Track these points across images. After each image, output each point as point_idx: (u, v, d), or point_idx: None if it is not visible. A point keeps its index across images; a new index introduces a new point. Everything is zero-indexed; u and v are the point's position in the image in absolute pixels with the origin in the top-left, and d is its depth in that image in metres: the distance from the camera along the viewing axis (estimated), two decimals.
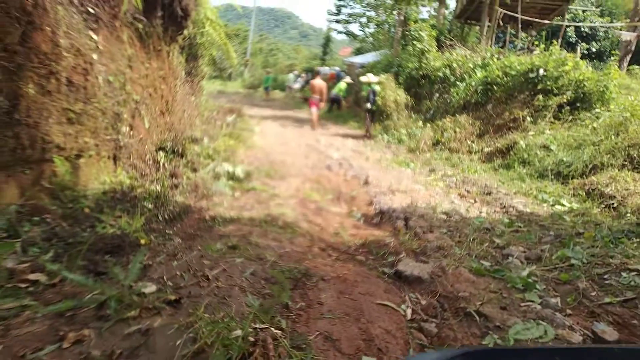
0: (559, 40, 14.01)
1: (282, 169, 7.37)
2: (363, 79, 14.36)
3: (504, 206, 6.35)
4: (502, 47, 17.46)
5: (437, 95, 13.71)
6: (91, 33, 4.18)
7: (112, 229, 3.35)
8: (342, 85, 17.92)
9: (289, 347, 2.03)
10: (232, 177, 5.99)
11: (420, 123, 12.42)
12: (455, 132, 10.58)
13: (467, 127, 10.59)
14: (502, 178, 8.08)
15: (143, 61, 6.04)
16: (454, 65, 13.69)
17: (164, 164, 5.57)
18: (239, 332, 1.96)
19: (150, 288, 2.40)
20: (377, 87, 13.42)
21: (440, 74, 13.79)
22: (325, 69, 30.41)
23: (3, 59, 2.76)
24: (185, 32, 9.81)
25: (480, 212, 6.06)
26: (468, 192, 7.12)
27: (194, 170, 5.73)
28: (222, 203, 4.79)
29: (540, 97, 9.94)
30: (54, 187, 3.73)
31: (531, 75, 10.45)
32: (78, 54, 3.75)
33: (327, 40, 37.75)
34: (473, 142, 10.15)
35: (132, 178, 4.83)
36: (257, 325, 2.11)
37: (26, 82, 3.07)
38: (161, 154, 5.77)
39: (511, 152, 9.03)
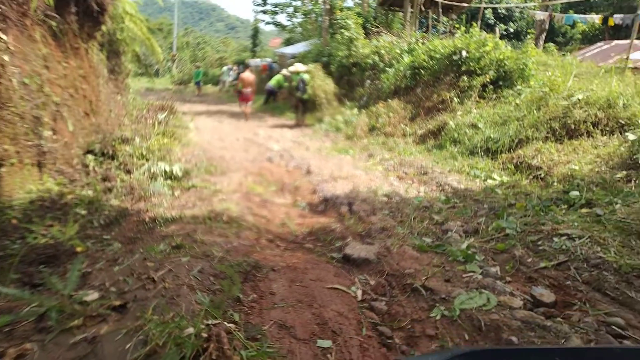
0: (479, 23, 14.80)
1: (222, 165, 7.23)
2: (291, 69, 14.69)
3: (440, 184, 6.66)
4: (425, 32, 18.13)
5: (368, 82, 14.02)
6: (1, 34, 3.84)
7: (44, 239, 3.14)
8: (278, 77, 17.83)
9: (243, 339, 2.02)
10: (170, 176, 5.80)
11: (356, 110, 12.64)
12: (389, 117, 10.89)
13: (399, 112, 10.93)
14: (436, 158, 8.45)
15: (60, 60, 5.65)
16: (382, 51, 14.05)
17: (94, 168, 5.27)
18: (191, 330, 1.93)
19: (92, 296, 2.29)
20: (305, 76, 13.59)
21: (370, 61, 14.10)
22: (256, 61, 30.04)
23: None
24: (104, 27, 9.29)
25: (419, 192, 6.32)
26: (406, 173, 7.39)
27: (128, 171, 5.47)
28: (162, 203, 4.63)
29: (465, 78, 10.45)
30: None
31: (455, 57, 10.93)
32: None
33: (256, 32, 37.19)
34: (406, 125, 10.51)
35: (61, 184, 4.54)
36: (210, 322, 2.08)
37: None
38: (90, 157, 5.46)
39: (442, 133, 9.44)
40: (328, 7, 18.06)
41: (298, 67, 14.23)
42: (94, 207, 4.20)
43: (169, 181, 5.60)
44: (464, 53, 10.79)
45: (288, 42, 29.69)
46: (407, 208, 5.30)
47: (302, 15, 30.55)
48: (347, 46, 14.96)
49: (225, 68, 26.42)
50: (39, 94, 4.79)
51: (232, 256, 3.08)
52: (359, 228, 4.49)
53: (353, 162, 8.30)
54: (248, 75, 14.24)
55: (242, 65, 30.53)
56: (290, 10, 31.72)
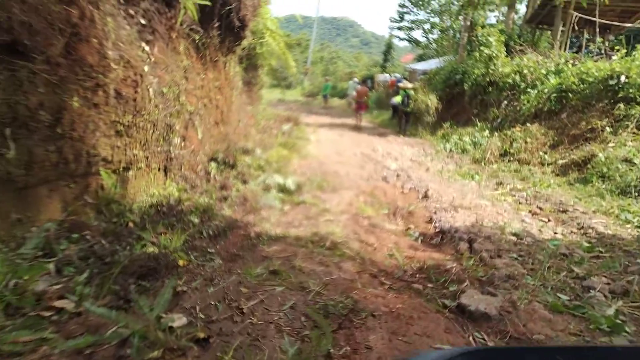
0: None
1: (335, 180, 7.08)
2: (400, 85, 16.86)
3: (582, 227, 5.64)
4: (576, 52, 16.14)
5: (505, 102, 12.84)
6: (143, 44, 4.14)
7: (151, 248, 3.21)
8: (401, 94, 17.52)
9: None
10: (282, 189, 5.79)
11: (487, 132, 11.65)
12: (525, 142, 9.77)
13: (538, 137, 9.74)
14: (579, 194, 7.26)
15: (199, 72, 6.02)
16: (525, 71, 12.77)
17: (214, 176, 5.47)
18: None
19: (180, 321, 2.19)
20: (411, 92, 15.23)
21: (510, 81, 12.91)
22: (385, 76, 29.97)
23: (45, 71, 2.70)
24: (245, 42, 9.89)
25: (555, 233, 5.41)
26: (540, 209, 6.44)
27: (244, 182, 5.58)
28: (270, 218, 4.58)
29: (622, 105, 8.93)
30: (100, 201, 3.68)
31: (611, 82, 9.44)
32: (128, 66, 3.69)
33: (389, 47, 37.19)
34: (545, 153, 9.30)
35: (182, 190, 4.75)
36: None
37: (70, 95, 3.01)
38: (213, 164, 5.69)
39: (589, 165, 8.13)
40: (468, 23, 17.13)
41: (406, 84, 16.18)
42: (207, 215, 4.28)
43: (281, 194, 5.58)
44: (622, 78, 9.25)
45: (420, 58, 29.08)
46: (540, 253, 4.51)
47: (439, 32, 29.70)
48: (485, 64, 13.94)
49: (351, 82, 26.71)
50: (175, 103, 5.11)
51: (329, 292, 2.80)
52: (479, 272, 3.89)
53: (478, 189, 7.52)
54: (361, 88, 16.86)
55: (370, 79, 30.73)
56: (427, 26, 31.07)
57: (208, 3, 5.41)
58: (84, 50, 3.02)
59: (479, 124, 12.59)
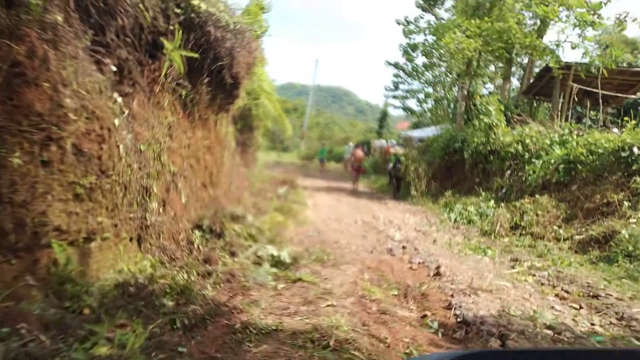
0: None
1: (336, 252, 6.32)
2: (391, 150, 18.50)
3: (622, 317, 4.86)
4: (577, 123, 16.10)
5: (508, 172, 12.42)
6: (115, 95, 3.57)
7: (104, 347, 2.41)
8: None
9: None
10: (276, 262, 5.03)
11: (492, 202, 11.09)
12: (536, 214, 9.15)
13: (550, 210, 9.14)
14: (606, 275, 6.52)
15: (185, 130, 5.47)
16: (527, 141, 12.48)
17: (198, 246, 4.72)
18: None
19: None
20: (402, 157, 16.04)
21: (512, 150, 12.57)
22: (381, 142, 30.05)
23: None
24: (240, 102, 9.51)
25: (593, 325, 4.63)
26: (567, 292, 5.67)
27: (233, 254, 4.83)
28: (261, 301, 3.78)
29: (638, 179, 8.46)
30: (50, 281, 2.91)
31: (623, 154, 9.05)
32: (92, 118, 3.09)
33: (384, 115, 37.78)
34: (560, 227, 8.66)
35: (157, 264, 3.99)
36: None
37: (10, 150, 2.35)
38: (197, 233, 4.97)
39: (611, 243, 7.45)
40: (465, 92, 17.22)
41: (397, 150, 17.90)
42: (185, 297, 3.50)
43: (274, 269, 4.81)
44: (635, 150, 8.87)
45: (415, 126, 29.31)
46: None
47: (433, 101, 30.19)
48: (486, 133, 13.70)
49: (346, 146, 26.61)
50: (155, 162, 4.48)
51: None
52: None
53: (494, 267, 6.77)
54: (357, 151, 17.09)
55: (366, 144, 30.78)
56: (421, 96, 31.66)
57: (196, 55, 4.96)
58: (30, 96, 2.41)
59: (483, 193, 12.06)
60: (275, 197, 10.21)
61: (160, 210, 4.40)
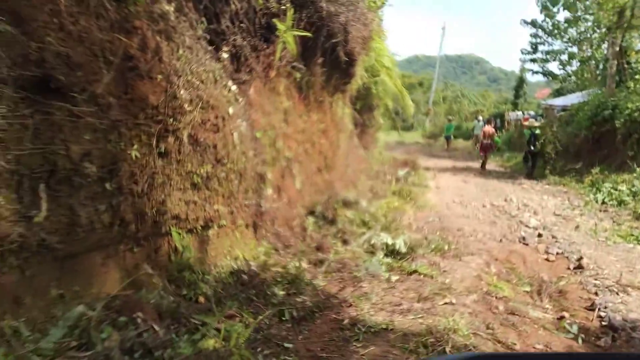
0: None
1: (458, 241, 5.84)
2: (526, 124, 16.67)
3: None
4: None
5: None
6: (229, 83, 3.62)
7: (211, 340, 2.47)
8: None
9: None
10: (391, 251, 4.79)
11: None
12: None
13: None
14: None
15: (301, 114, 5.46)
16: None
17: (311, 234, 4.71)
18: None
19: None
20: (537, 131, 14.26)
21: None
22: (517, 114, 27.34)
23: (90, 114, 2.20)
24: (358, 81, 9.30)
25: None
26: None
27: (345, 242, 4.72)
28: (372, 294, 3.60)
29: None
30: (171, 268, 3.10)
31: None
32: (207, 107, 3.16)
33: (520, 82, 34.05)
34: None
35: (270, 252, 4.05)
36: None
37: (128, 143, 2.49)
38: (310, 220, 4.95)
39: None
40: (617, 49, 14.58)
41: (533, 122, 15.69)
42: (295, 286, 3.49)
43: (388, 259, 4.57)
44: None
45: (558, 93, 25.96)
46: None
47: (578, 63, 26.34)
48: None
49: (475, 121, 24.63)
50: (270, 149, 4.54)
51: None
52: None
53: None
54: (488, 128, 15.50)
55: (500, 118, 28.27)
56: (564, 57, 27.81)
57: (309, 35, 4.83)
58: (144, 89, 2.51)
59: (637, 169, 10.17)
60: (394, 179, 9.87)
61: (275, 196, 4.46)
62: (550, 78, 29.73)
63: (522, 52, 29.58)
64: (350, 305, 3.36)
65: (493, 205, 8.96)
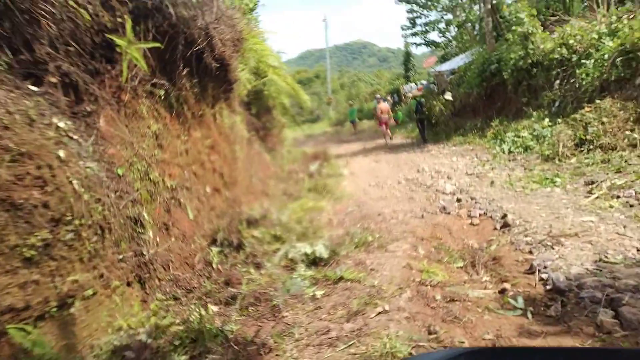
0: None
1: (381, 228, 5.50)
2: (409, 94, 18.50)
3: None
4: (623, 4, 13.96)
5: (557, 82, 10.92)
6: (56, 120, 2.84)
7: None
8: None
9: None
10: (312, 260, 4.29)
11: (547, 120, 9.76)
12: (602, 123, 7.82)
13: (616, 114, 7.77)
14: None
15: (178, 134, 4.74)
16: (571, 41, 10.87)
17: (217, 266, 4.05)
18: None
19: None
20: (422, 100, 15.51)
21: (557, 56, 11.02)
22: (411, 86, 28.34)
23: None
24: (246, 85, 8.68)
25: None
26: None
27: (257, 266, 4.11)
28: (295, 326, 3.05)
29: None
30: None
31: None
32: (21, 158, 2.38)
33: (407, 56, 35.55)
34: (632, 131, 7.34)
35: (166, 306, 3.34)
36: None
37: None
38: (214, 250, 4.29)
39: None
40: (489, 7, 15.37)
41: (414, 92, 17.65)
42: (200, 344, 2.83)
43: (310, 271, 4.07)
44: None
45: (443, 59, 27.24)
46: None
47: (456, 28, 27.89)
48: (522, 45, 12.15)
49: (375, 101, 25.13)
50: (143, 184, 3.79)
51: None
52: None
53: (569, 198, 5.70)
54: (382, 105, 16.64)
55: (396, 93, 29.13)
56: (442, 26, 29.34)
57: (160, 46, 4.14)
58: None
59: (534, 113, 10.69)
60: (306, 176, 9.43)
61: (160, 237, 3.73)
62: (434, 47, 31.26)
63: (403, 29, 30.84)
64: (271, 350, 2.78)
65: (408, 179, 8.86)
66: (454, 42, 28.73)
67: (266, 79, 10.51)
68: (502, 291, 3.48)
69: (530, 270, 3.75)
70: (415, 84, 28.15)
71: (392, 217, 6.01)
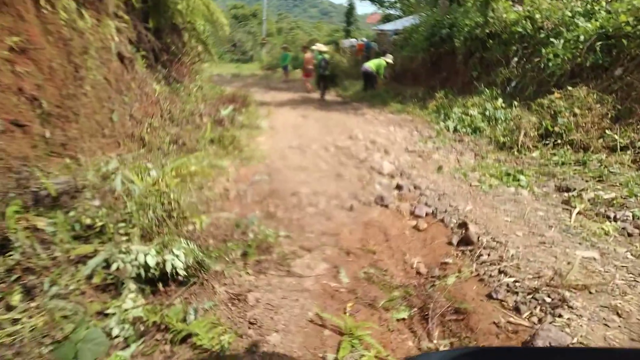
0: None
1: (291, 219, 3.70)
2: (314, 48, 16.83)
3: None
4: None
5: (515, 59, 9.60)
6: None
7: None
8: (379, 60, 14.31)
9: None
10: (157, 277, 2.36)
11: (500, 101, 8.41)
12: (573, 114, 6.56)
13: (592, 107, 6.54)
14: None
15: None
16: (537, 16, 9.53)
17: None
18: None
19: None
20: (327, 56, 14.84)
21: (519, 29, 9.66)
22: (351, 41, 26.35)
23: None
24: None
25: None
26: None
27: (28, 291, 2.08)
28: None
29: None
30: None
31: None
32: None
33: (350, 10, 33.25)
34: (609, 129, 6.14)
35: None
36: None
37: None
38: None
39: None
40: None
41: (320, 47, 16.06)
42: None
43: (142, 299, 2.15)
44: None
45: (387, 20, 25.38)
46: None
47: None
48: (482, 12, 10.65)
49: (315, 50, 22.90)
50: None
51: None
52: None
53: (544, 209, 4.26)
54: (307, 55, 16.14)
55: (336, 45, 27.02)
56: None
57: None
58: None
59: (486, 90, 9.31)
60: (211, 122, 7.28)
61: None
62: (378, 4, 29.22)
63: None
64: None
65: (337, 147, 7.07)
66: (398, 4, 26.87)
67: None
68: None
69: (527, 342, 2.17)
70: (357, 39, 26.16)
71: (310, 202, 4.20)
